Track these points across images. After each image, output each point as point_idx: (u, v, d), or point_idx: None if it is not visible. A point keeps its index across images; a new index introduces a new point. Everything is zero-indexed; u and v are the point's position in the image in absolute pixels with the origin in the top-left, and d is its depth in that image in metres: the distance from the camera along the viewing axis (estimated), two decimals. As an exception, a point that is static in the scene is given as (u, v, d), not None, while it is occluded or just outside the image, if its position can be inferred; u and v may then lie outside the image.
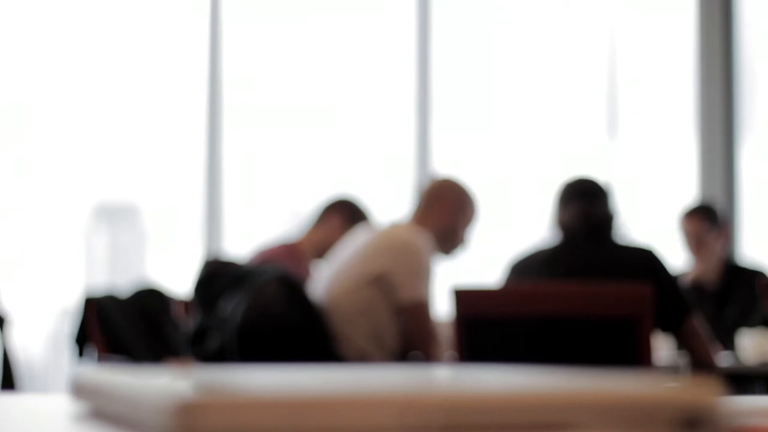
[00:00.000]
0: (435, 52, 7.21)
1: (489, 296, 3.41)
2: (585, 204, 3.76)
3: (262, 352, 3.73)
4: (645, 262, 3.64)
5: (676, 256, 5.60)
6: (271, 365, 3.66)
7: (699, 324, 3.72)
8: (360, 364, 3.88)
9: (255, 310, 3.75)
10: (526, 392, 0.54)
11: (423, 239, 3.93)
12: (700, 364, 3.71)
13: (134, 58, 6.87)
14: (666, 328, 3.65)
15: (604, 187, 3.83)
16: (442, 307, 4.10)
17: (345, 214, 4.58)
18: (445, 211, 4.08)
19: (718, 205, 6.10)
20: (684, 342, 3.69)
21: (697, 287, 5.34)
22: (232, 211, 6.90)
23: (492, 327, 3.33)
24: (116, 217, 6.99)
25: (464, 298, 3.34)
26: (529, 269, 3.75)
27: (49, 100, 6.73)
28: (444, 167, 6.84)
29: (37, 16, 6.77)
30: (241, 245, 6.12)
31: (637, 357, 3.21)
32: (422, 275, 3.90)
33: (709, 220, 5.37)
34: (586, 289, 3.32)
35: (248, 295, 3.76)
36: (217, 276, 3.89)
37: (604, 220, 3.75)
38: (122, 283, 5.38)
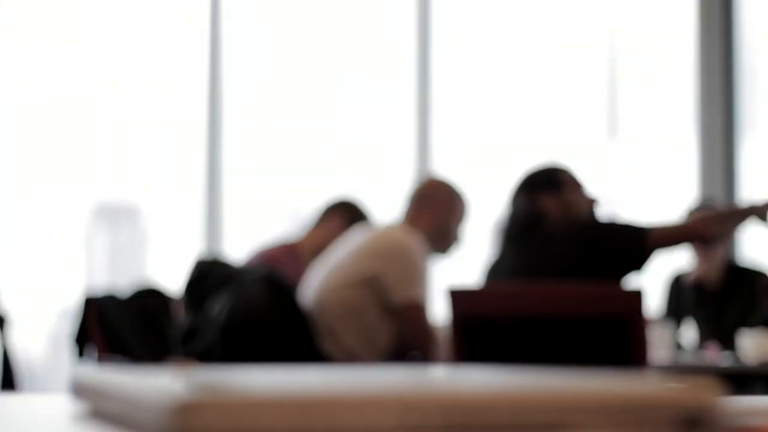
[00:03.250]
0: (435, 51, 7.21)
1: (484, 296, 3.42)
2: (513, 204, 3.83)
3: (246, 351, 3.74)
4: (575, 241, 3.69)
5: (677, 257, 5.60)
6: (271, 365, 3.66)
7: (660, 225, 3.75)
8: (350, 364, 3.89)
9: (239, 309, 3.76)
10: (525, 392, 0.54)
11: (416, 241, 3.94)
12: (691, 234, 3.74)
13: (135, 58, 6.87)
14: (646, 257, 3.67)
15: (531, 180, 3.87)
16: (440, 308, 4.11)
17: (346, 215, 4.58)
18: (436, 211, 4.10)
19: (719, 204, 6.10)
20: (668, 240, 3.71)
21: (699, 287, 5.34)
22: (232, 211, 6.90)
23: (487, 327, 3.33)
24: (116, 217, 6.99)
25: (459, 298, 3.35)
26: (493, 274, 3.82)
27: (49, 100, 6.73)
28: (444, 167, 6.84)
29: (39, 16, 6.77)
30: (241, 245, 6.13)
31: (631, 357, 3.21)
32: (416, 276, 3.91)
33: None
34: (580, 289, 3.33)
35: (233, 294, 3.78)
36: (207, 276, 3.90)
37: (530, 214, 3.79)
38: (122, 283, 5.38)
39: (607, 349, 3.24)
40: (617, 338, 3.23)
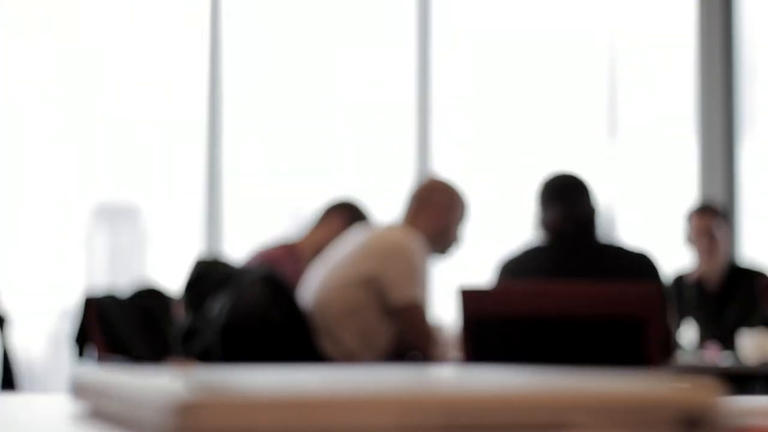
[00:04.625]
0: (435, 51, 7.21)
1: (495, 296, 3.40)
2: (566, 204, 3.77)
3: (246, 351, 3.74)
4: (636, 265, 3.65)
5: (677, 257, 5.60)
6: (270, 365, 3.66)
7: (669, 326, 3.76)
8: (348, 364, 3.89)
9: (238, 309, 3.76)
10: (526, 392, 0.54)
11: (415, 241, 3.94)
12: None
13: (134, 57, 6.87)
14: None
15: (583, 184, 3.84)
16: (447, 308, 4.11)
17: (346, 216, 4.58)
18: (437, 212, 4.10)
19: (719, 205, 6.10)
20: None
21: (699, 287, 5.34)
22: (232, 211, 6.90)
23: (498, 327, 3.32)
24: (116, 217, 6.99)
25: (471, 298, 3.34)
26: (518, 271, 3.77)
27: (49, 99, 6.73)
28: (444, 167, 6.84)
29: (39, 15, 6.77)
30: (241, 245, 6.12)
31: (644, 357, 3.20)
32: (415, 277, 3.90)
33: (718, 218, 5.38)
34: (593, 289, 3.31)
35: (233, 294, 3.78)
36: (207, 276, 3.90)
37: (587, 219, 3.76)
38: (122, 283, 5.38)
39: (621, 349, 3.23)
40: (631, 338, 3.22)
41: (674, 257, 5.59)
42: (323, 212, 4.65)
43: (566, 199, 3.77)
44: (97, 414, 0.67)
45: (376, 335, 3.93)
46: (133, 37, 6.88)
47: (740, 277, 5.30)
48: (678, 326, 5.22)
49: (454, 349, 3.88)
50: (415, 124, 7.15)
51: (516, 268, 3.78)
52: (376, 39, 7.25)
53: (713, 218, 5.35)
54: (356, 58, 7.19)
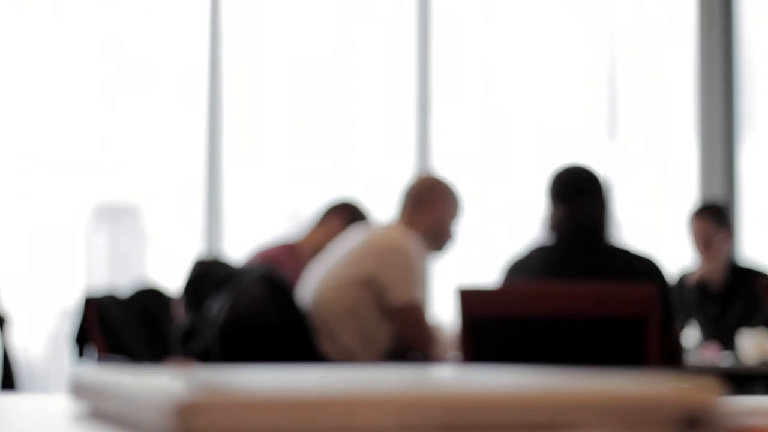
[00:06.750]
0: (435, 51, 7.21)
1: (495, 297, 3.39)
2: (574, 203, 3.67)
3: (245, 351, 3.75)
4: (642, 269, 3.60)
5: (677, 256, 5.60)
6: (270, 365, 3.66)
7: (676, 330, 3.69)
8: (348, 364, 3.89)
9: (237, 309, 3.76)
10: (526, 392, 0.54)
11: (413, 241, 3.94)
12: (671, 363, 3.68)
13: (134, 57, 6.87)
14: None
15: (595, 180, 3.74)
16: (447, 308, 4.10)
17: (346, 216, 4.59)
18: (433, 210, 4.10)
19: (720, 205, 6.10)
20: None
21: (701, 287, 5.34)
22: (232, 211, 6.90)
23: (498, 327, 3.32)
24: (116, 217, 6.99)
25: (470, 298, 3.33)
26: (525, 271, 3.70)
27: (48, 99, 6.73)
28: (444, 167, 6.84)
29: (38, 15, 6.77)
30: (241, 245, 6.12)
31: (644, 358, 3.20)
32: (413, 277, 3.90)
33: (718, 221, 5.37)
34: (593, 290, 3.30)
35: (233, 294, 3.78)
36: (207, 276, 3.91)
37: (595, 220, 3.66)
38: (122, 283, 5.38)
39: (621, 349, 3.23)
40: (631, 339, 3.21)
41: (675, 257, 5.59)
42: (323, 212, 4.66)
43: (574, 198, 3.65)
44: (96, 414, 0.67)
45: (375, 335, 3.93)
46: (133, 37, 6.88)
47: (741, 278, 5.30)
48: (681, 327, 5.22)
49: (453, 349, 3.88)
50: (415, 125, 7.15)
51: (521, 269, 3.72)
52: (376, 39, 7.25)
53: (714, 219, 5.35)
54: (356, 58, 7.19)
